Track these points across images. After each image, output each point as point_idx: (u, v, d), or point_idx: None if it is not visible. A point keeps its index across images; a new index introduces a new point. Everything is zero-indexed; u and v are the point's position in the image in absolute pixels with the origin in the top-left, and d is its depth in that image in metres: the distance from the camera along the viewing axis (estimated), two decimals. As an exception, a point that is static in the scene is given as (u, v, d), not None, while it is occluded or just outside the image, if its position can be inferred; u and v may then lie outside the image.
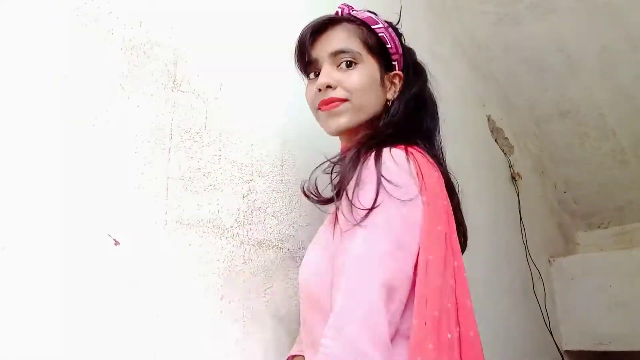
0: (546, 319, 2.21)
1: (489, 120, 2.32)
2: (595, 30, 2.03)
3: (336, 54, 0.90)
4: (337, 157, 0.87)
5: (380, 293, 0.69)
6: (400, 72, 0.96)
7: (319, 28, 0.93)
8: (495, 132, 2.33)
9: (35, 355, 0.68)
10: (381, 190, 0.74)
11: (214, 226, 0.95)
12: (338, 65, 0.90)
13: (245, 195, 1.03)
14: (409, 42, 1.03)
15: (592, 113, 2.29)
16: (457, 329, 0.74)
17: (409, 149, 0.81)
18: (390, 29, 0.95)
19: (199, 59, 1.02)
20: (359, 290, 0.70)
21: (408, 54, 0.99)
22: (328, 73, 0.90)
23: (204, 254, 0.93)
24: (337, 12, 0.95)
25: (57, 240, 0.73)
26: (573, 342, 2.32)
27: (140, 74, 0.90)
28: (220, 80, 1.05)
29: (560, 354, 2.25)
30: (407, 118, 0.92)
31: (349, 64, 0.90)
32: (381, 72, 0.93)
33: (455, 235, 0.82)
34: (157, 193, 0.88)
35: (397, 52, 0.96)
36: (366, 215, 0.73)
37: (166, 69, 0.95)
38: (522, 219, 2.26)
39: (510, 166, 2.34)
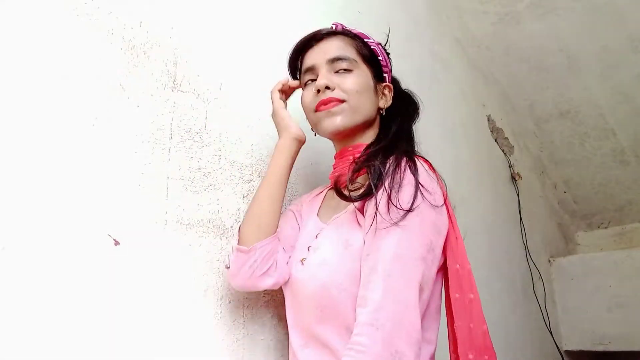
0: (546, 319, 2.21)
1: (489, 120, 2.32)
2: (595, 30, 2.02)
3: (334, 60, 0.94)
4: (363, 155, 0.90)
5: (416, 293, 0.73)
6: (390, 84, 1.01)
7: (318, 37, 0.98)
8: (495, 132, 2.33)
9: (36, 355, 0.68)
10: (418, 194, 0.77)
11: (214, 226, 0.95)
12: (336, 72, 0.94)
13: (245, 195, 1.03)
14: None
15: (592, 113, 2.29)
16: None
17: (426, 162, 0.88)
18: (380, 46, 1.02)
19: (199, 59, 1.02)
20: (397, 289, 0.72)
21: (395, 81, 1.05)
22: (327, 76, 0.93)
23: (204, 254, 0.93)
24: (331, 27, 1.00)
25: (57, 240, 0.73)
26: (573, 342, 2.32)
27: (140, 74, 0.90)
28: (220, 80, 1.05)
29: (560, 354, 2.25)
30: (411, 132, 1.00)
31: (345, 70, 0.94)
32: (374, 81, 0.98)
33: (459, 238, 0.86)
34: (157, 193, 0.88)
35: (387, 66, 1.01)
36: (404, 216, 0.76)
37: (166, 69, 0.95)
38: (522, 219, 2.26)
39: (510, 166, 2.34)
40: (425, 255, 0.76)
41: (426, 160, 0.87)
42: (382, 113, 0.98)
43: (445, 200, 0.83)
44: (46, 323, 0.70)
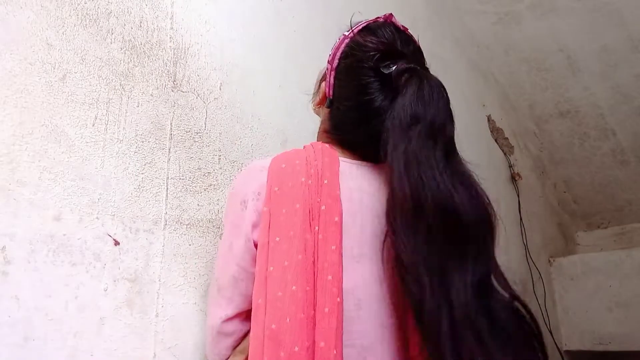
0: (546, 319, 2.21)
1: (489, 120, 2.32)
2: (595, 30, 2.03)
3: None
4: None
5: (213, 285, 0.81)
6: (323, 84, 0.88)
7: None
8: (495, 132, 2.33)
9: (35, 355, 0.68)
10: (229, 197, 0.83)
11: (214, 226, 0.95)
12: None
13: (245, 195, 1.03)
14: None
15: (592, 113, 2.29)
16: (311, 341, 0.70)
17: (276, 157, 0.81)
18: (346, 40, 0.87)
19: (199, 59, 1.02)
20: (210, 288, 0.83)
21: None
22: None
23: (204, 254, 0.93)
24: None
25: (57, 241, 0.73)
26: (573, 342, 2.32)
27: (140, 74, 0.90)
28: (220, 80, 1.05)
29: (560, 354, 2.25)
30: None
31: None
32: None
33: (335, 247, 0.75)
34: (157, 193, 0.88)
35: (329, 62, 0.87)
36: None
37: (166, 69, 0.95)
38: (522, 219, 2.26)
39: (510, 166, 2.34)
40: (226, 256, 0.79)
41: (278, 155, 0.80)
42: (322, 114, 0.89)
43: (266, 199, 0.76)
44: (46, 323, 0.70)
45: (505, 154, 2.34)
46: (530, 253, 2.24)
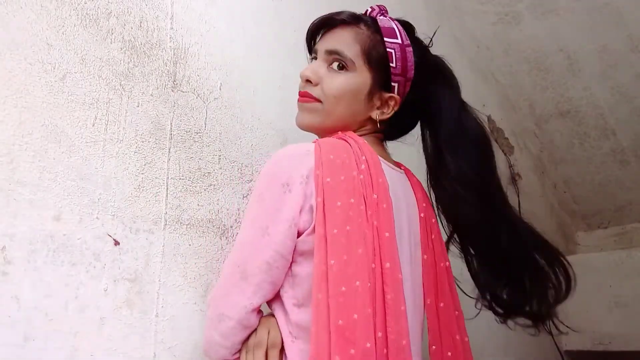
0: (546, 319, 2.21)
1: (489, 120, 2.31)
2: (595, 30, 2.02)
3: (330, 53, 0.88)
4: None
5: (233, 272, 0.78)
6: (397, 96, 0.90)
7: (330, 24, 0.91)
8: (495, 132, 2.33)
9: (35, 355, 0.68)
10: (262, 178, 0.83)
11: (214, 226, 0.95)
12: (330, 64, 0.88)
13: (245, 195, 1.03)
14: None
15: (592, 113, 2.29)
16: (384, 336, 0.70)
17: (317, 141, 0.83)
18: (408, 49, 0.90)
19: (199, 59, 1.02)
20: (224, 266, 0.83)
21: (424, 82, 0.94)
22: (314, 68, 0.89)
23: (204, 254, 0.93)
24: (365, 11, 0.93)
25: (57, 241, 0.73)
26: (573, 342, 2.31)
27: (140, 74, 0.90)
28: (220, 80, 1.05)
29: (560, 354, 2.25)
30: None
31: (341, 67, 0.87)
32: (372, 87, 0.88)
33: (389, 234, 0.77)
34: (157, 193, 0.88)
35: (401, 74, 0.89)
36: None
37: (166, 69, 0.95)
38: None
39: (510, 166, 2.34)
40: (258, 241, 0.76)
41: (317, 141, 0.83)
42: (378, 125, 0.90)
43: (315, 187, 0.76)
44: (46, 323, 0.70)
45: (505, 154, 2.34)
46: (530, 253, 2.23)
